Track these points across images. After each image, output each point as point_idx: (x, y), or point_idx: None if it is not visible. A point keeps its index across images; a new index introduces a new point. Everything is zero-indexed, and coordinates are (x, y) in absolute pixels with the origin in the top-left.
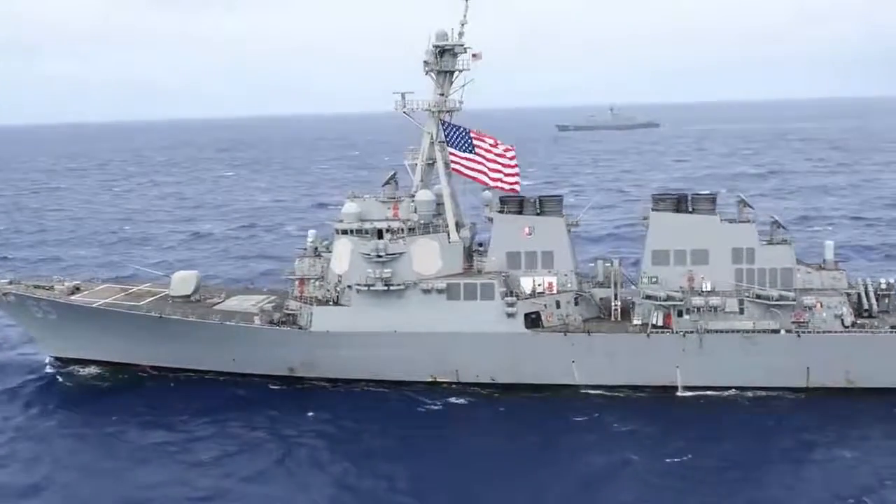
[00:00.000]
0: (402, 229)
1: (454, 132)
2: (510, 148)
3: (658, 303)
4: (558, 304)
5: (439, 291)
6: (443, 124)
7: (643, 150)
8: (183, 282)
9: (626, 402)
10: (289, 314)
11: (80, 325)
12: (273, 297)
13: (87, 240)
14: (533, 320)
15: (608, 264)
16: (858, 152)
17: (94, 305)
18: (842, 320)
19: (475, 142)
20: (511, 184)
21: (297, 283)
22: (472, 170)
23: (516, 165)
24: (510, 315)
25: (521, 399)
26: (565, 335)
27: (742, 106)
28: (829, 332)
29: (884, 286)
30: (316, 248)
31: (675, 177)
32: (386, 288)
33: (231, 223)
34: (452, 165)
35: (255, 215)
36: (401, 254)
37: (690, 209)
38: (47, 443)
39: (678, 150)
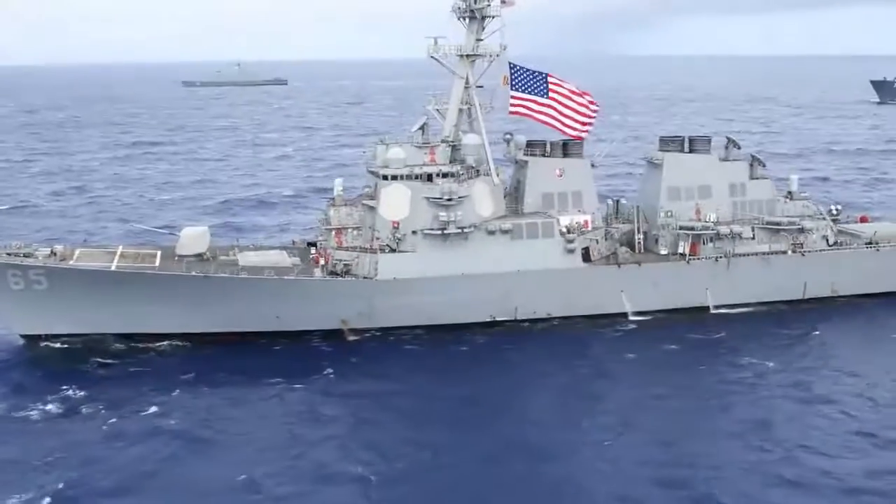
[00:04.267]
0: (460, 172)
1: (526, 75)
2: (589, 95)
3: (694, 232)
4: (596, 241)
5: (503, 232)
6: (512, 67)
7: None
8: (195, 239)
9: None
10: (346, 265)
11: (82, 295)
12: (290, 250)
13: None
14: (583, 255)
15: (623, 201)
16: None
17: (113, 268)
18: (827, 240)
19: (552, 86)
20: (580, 130)
21: (333, 233)
22: (541, 113)
23: (594, 115)
24: (570, 251)
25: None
26: (619, 267)
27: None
28: (824, 250)
29: (834, 211)
30: (341, 197)
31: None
32: (460, 230)
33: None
34: (512, 108)
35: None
36: (465, 197)
37: (688, 150)
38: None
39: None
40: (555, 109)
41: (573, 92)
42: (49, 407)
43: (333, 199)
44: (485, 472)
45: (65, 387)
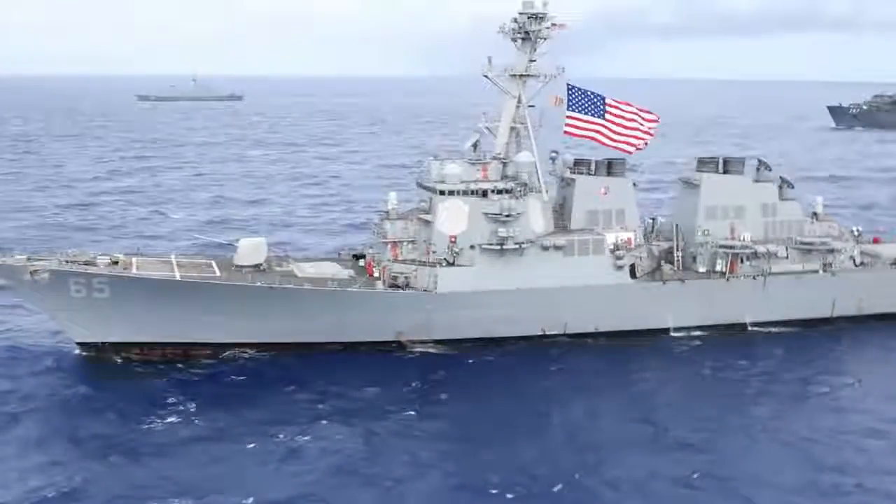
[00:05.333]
0: (514, 189)
1: (583, 96)
2: (650, 113)
3: (734, 251)
4: (640, 258)
5: (557, 248)
6: (570, 88)
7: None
8: (254, 250)
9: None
10: (406, 277)
11: (144, 304)
12: (344, 263)
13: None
14: (630, 272)
15: (662, 220)
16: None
17: (177, 278)
18: (854, 260)
19: (608, 108)
20: (631, 145)
21: (389, 246)
22: (597, 133)
23: (650, 135)
24: (619, 268)
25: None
26: (664, 283)
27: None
28: (852, 270)
29: (856, 232)
30: (395, 210)
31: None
32: (517, 246)
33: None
34: (566, 129)
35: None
36: (522, 213)
37: (722, 171)
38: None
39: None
40: (610, 130)
41: (631, 113)
42: (171, 420)
43: (388, 212)
44: (638, 490)
45: (172, 400)
